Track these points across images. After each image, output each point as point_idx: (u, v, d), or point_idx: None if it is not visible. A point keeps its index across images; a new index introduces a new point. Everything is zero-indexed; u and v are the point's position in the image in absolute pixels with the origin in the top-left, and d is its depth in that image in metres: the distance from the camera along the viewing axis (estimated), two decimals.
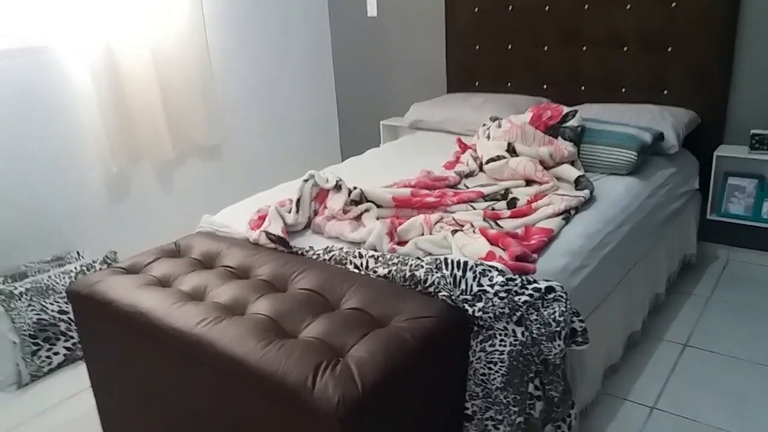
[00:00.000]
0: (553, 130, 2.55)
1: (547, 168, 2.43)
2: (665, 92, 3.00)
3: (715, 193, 2.95)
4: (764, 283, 2.84)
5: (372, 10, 3.94)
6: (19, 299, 2.43)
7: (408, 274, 1.69)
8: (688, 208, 2.85)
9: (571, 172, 2.38)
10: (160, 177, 3.34)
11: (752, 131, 2.77)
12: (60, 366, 2.51)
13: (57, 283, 2.56)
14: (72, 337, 2.53)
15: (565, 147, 2.48)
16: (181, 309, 1.66)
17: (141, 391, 1.80)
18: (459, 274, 1.64)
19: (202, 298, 1.75)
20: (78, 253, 2.86)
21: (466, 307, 1.58)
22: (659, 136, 2.59)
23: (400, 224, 2.02)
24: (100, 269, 2.68)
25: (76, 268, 2.64)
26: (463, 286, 1.62)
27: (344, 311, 1.60)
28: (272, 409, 1.41)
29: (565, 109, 2.62)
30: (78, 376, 2.45)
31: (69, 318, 2.52)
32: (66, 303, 2.53)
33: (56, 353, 2.48)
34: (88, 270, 2.66)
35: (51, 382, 2.44)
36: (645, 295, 2.47)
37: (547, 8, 3.23)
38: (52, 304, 2.50)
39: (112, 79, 2.91)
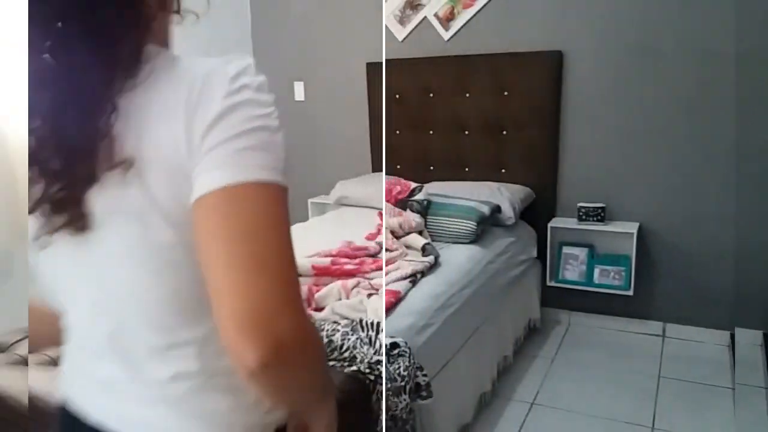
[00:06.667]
0: (402, 203, 2.72)
1: (397, 237, 2.57)
2: (503, 171, 3.29)
3: (552, 261, 3.22)
4: (602, 344, 3.08)
5: (299, 95, 4.06)
6: None
7: (325, 340, 1.72)
8: (528, 274, 3.08)
9: (418, 241, 2.53)
10: None
11: (579, 204, 3.09)
12: None
13: None
14: None
15: (413, 218, 2.64)
16: None
17: None
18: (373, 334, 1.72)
19: None
20: None
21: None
22: (497, 209, 2.82)
23: (317, 291, 2.07)
24: None
25: None
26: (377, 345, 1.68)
27: None
28: None
29: (413, 185, 2.81)
30: None
31: None
32: None
33: None
34: None
35: None
36: (493, 357, 2.60)
37: (397, 96, 3.49)
38: None
39: None
